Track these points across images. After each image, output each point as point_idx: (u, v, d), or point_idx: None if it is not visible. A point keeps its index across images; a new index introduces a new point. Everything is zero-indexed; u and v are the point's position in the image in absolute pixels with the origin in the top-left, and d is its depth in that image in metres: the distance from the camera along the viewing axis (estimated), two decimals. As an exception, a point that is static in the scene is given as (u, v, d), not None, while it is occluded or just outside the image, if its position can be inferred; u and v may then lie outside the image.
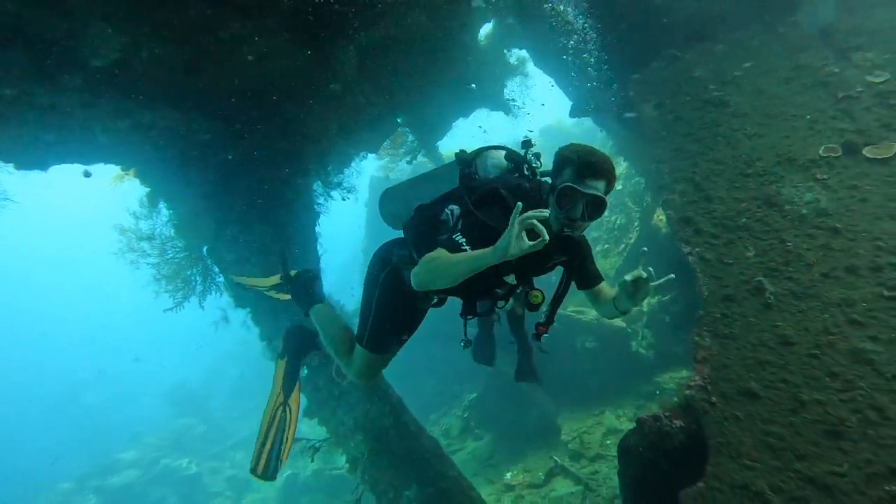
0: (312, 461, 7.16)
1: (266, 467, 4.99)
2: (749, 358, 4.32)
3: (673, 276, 2.83)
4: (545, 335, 3.27)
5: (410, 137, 10.38)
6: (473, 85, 10.10)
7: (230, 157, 6.39)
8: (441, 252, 2.70)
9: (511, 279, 3.06)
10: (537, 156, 3.25)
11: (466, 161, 3.34)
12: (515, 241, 2.35)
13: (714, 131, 6.13)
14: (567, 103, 9.99)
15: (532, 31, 9.27)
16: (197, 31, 5.03)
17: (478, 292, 3.20)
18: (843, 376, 4.00)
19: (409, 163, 11.21)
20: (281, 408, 4.95)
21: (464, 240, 2.76)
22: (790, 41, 6.75)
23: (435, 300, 3.61)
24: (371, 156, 8.79)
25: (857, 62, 6.05)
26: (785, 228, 5.02)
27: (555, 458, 10.39)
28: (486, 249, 2.47)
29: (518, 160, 3.27)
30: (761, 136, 5.87)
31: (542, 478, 10.14)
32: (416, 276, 2.71)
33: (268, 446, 4.95)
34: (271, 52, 5.62)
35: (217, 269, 7.15)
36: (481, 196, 3.02)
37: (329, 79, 6.22)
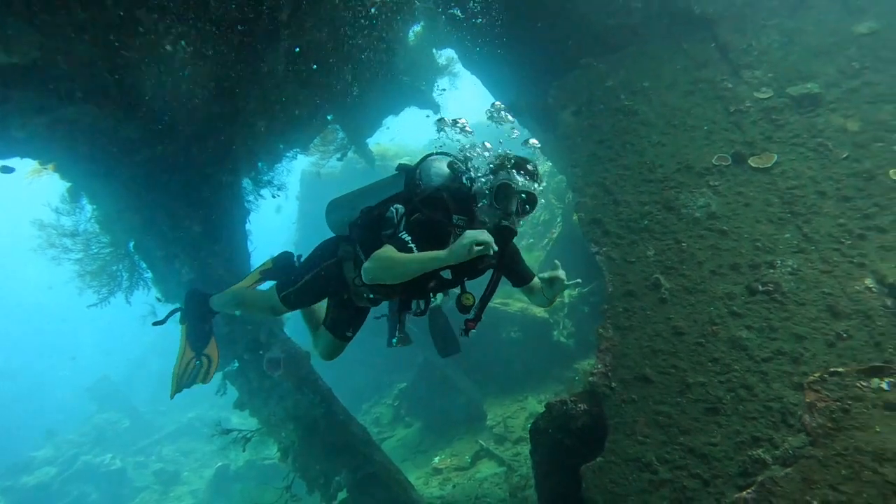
0: (244, 451, 7.32)
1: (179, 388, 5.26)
2: (645, 347, 4.87)
3: (580, 280, 3.27)
4: (473, 331, 3.63)
5: (341, 135, 10.52)
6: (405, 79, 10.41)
7: (157, 153, 6.39)
8: (391, 249, 2.99)
9: (447, 274, 3.43)
10: (475, 167, 3.61)
11: (411, 169, 3.70)
12: (468, 252, 2.74)
13: (623, 139, 6.68)
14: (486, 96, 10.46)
15: (456, 34, 9.60)
16: (120, 32, 5.03)
17: (414, 290, 3.53)
18: (722, 361, 4.60)
19: (339, 159, 11.35)
20: (193, 359, 5.16)
21: (409, 238, 3.08)
22: (693, 56, 7.35)
23: (372, 296, 3.92)
24: (300, 153, 8.90)
25: (747, 79, 6.71)
26: (680, 230, 5.62)
27: (480, 441, 10.94)
28: (440, 252, 2.84)
29: (458, 169, 3.61)
30: (664, 144, 6.45)
31: (469, 461, 10.67)
32: (368, 271, 2.96)
33: (184, 384, 5.20)
34: (198, 54, 5.68)
35: (144, 265, 7.15)
36: (425, 198, 3.38)
37: (257, 79, 6.34)
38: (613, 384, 4.69)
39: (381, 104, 10.63)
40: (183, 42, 5.38)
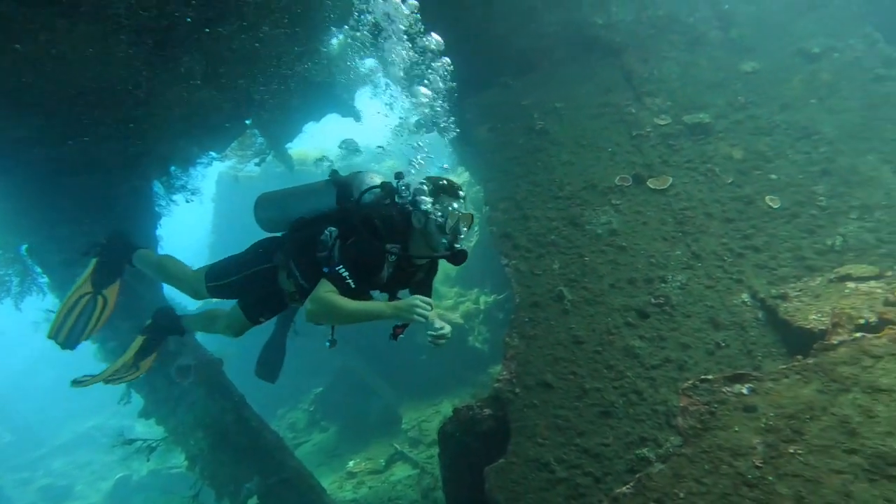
0: (148, 461, 7.13)
1: (67, 337, 4.88)
2: (548, 355, 5.20)
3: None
4: (402, 335, 3.76)
5: (259, 139, 10.37)
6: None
7: (55, 154, 6.10)
8: (333, 294, 3.09)
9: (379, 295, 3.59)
10: (407, 186, 3.58)
11: (343, 184, 3.75)
12: (410, 315, 3.02)
13: (535, 156, 7.05)
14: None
15: (379, 46, 9.73)
16: (15, 31, 4.81)
17: None
18: (616, 368, 5.00)
19: (257, 164, 11.19)
20: (88, 296, 4.88)
21: (347, 273, 3.16)
22: (601, 81, 7.83)
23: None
24: (217, 158, 8.72)
25: (648, 105, 7.25)
26: (584, 245, 6.01)
27: (395, 445, 11.12)
28: (384, 307, 3.09)
29: (391, 190, 3.64)
30: (572, 163, 6.86)
31: (383, 464, 10.83)
32: (311, 314, 3.08)
33: (69, 323, 4.85)
34: (107, 55, 5.50)
35: (39, 270, 6.80)
36: (358, 223, 3.41)
37: (174, 84, 6.22)
38: (517, 390, 4.99)
39: (302, 110, 10.60)
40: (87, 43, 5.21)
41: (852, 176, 5.98)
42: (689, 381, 3.63)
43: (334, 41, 9.92)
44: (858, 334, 3.59)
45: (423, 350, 12.77)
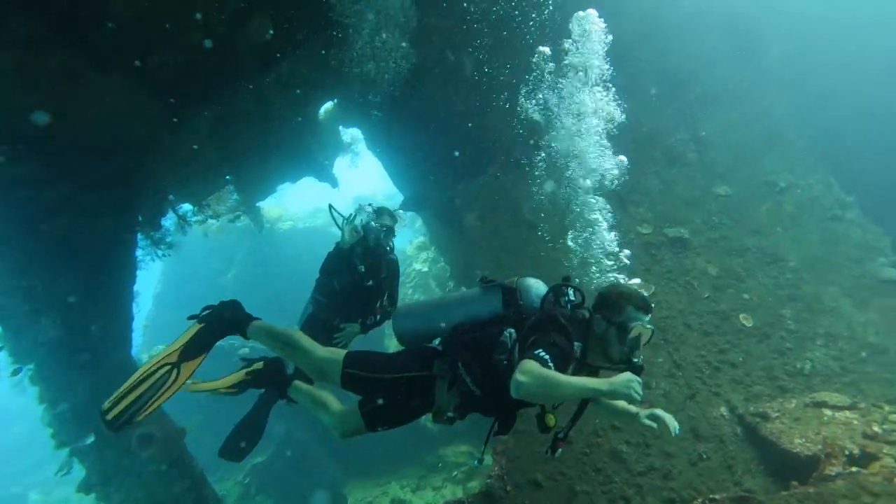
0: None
1: (117, 416, 3.97)
2: (537, 452, 5.24)
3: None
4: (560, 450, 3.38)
5: (235, 196, 10.20)
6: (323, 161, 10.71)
7: (42, 197, 5.86)
8: (538, 366, 2.78)
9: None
10: (576, 290, 3.44)
11: (509, 289, 3.54)
12: (629, 392, 2.71)
13: (524, 249, 7.29)
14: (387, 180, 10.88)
15: (367, 120, 9.96)
16: (53, 79, 4.79)
17: (514, 410, 3.33)
18: (604, 471, 5.09)
19: (231, 221, 10.91)
20: (168, 367, 4.13)
21: (548, 356, 2.85)
22: (585, 184, 8.26)
23: (451, 415, 3.46)
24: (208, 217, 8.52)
25: (632, 213, 7.67)
26: (571, 343, 6.17)
27: (339, 528, 10.63)
28: (601, 382, 2.75)
29: (559, 293, 3.46)
30: (559, 260, 7.11)
31: (328, 549, 10.30)
32: (523, 386, 2.71)
33: (130, 396, 4.01)
34: (123, 105, 5.48)
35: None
36: (539, 321, 3.20)
37: (178, 138, 6.21)
38: (508, 487, 4.98)
39: (282, 171, 10.64)
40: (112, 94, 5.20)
41: (816, 304, 6.49)
42: (699, 500, 3.76)
43: (322, 108, 10.14)
44: (854, 468, 3.83)
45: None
